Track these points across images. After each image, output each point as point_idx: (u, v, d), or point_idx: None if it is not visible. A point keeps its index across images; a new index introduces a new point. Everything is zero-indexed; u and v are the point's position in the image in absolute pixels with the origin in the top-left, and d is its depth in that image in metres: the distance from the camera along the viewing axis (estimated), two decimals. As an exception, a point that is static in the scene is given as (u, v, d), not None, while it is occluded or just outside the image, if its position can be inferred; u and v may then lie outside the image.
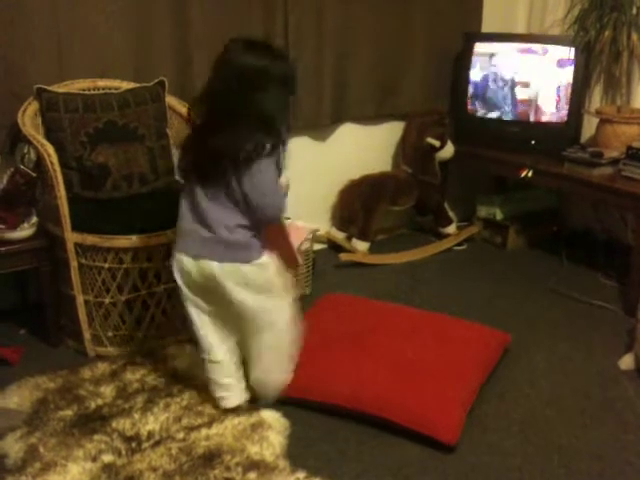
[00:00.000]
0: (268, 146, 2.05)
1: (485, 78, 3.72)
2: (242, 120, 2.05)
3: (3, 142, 2.76)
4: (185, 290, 2.22)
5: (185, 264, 2.17)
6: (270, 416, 2.30)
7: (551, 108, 3.60)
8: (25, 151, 2.69)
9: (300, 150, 3.61)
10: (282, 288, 2.24)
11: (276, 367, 2.32)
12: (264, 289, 2.18)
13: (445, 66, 3.92)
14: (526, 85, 3.63)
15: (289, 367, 2.35)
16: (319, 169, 3.72)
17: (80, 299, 2.64)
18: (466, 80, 3.76)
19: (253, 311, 2.19)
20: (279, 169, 2.13)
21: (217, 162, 2.06)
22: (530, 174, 3.45)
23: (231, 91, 2.06)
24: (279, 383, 2.33)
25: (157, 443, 2.16)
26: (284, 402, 2.36)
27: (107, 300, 2.64)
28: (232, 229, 2.11)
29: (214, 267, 2.12)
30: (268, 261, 2.18)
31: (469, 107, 3.79)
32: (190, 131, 2.25)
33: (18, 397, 2.38)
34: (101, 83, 2.91)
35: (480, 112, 3.78)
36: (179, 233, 2.22)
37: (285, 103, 2.16)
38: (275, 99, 2.07)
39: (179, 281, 2.22)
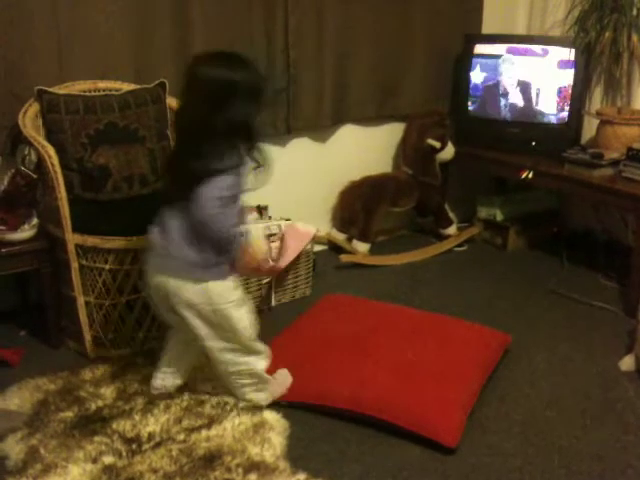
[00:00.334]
0: (233, 161, 2.03)
1: (485, 79, 3.72)
2: (209, 135, 2.02)
3: (4, 143, 2.76)
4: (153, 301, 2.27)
5: (148, 277, 2.21)
6: (271, 417, 2.30)
7: (551, 109, 3.60)
8: (26, 152, 2.69)
9: (300, 151, 3.63)
10: (235, 318, 2.18)
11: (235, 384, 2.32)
12: (212, 313, 2.14)
13: (445, 67, 3.92)
14: (526, 86, 3.63)
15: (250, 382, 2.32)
16: (319, 170, 3.72)
17: (81, 300, 2.64)
18: (466, 81, 3.76)
19: (199, 331, 2.18)
20: (240, 188, 2.10)
21: (187, 179, 2.04)
22: (530, 175, 3.45)
23: (197, 107, 2.04)
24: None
25: (157, 444, 2.15)
26: (283, 404, 2.37)
27: (108, 301, 2.64)
28: (190, 246, 2.09)
29: (168, 282, 2.13)
30: (226, 286, 2.15)
31: (469, 108, 3.79)
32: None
33: (18, 399, 2.38)
34: (102, 84, 2.91)
35: (480, 113, 3.79)
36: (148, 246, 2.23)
37: (254, 116, 2.09)
38: (243, 112, 2.03)
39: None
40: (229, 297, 2.15)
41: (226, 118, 2.01)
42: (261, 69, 2.13)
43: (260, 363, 2.29)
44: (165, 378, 2.38)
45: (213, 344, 2.21)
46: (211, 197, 2.02)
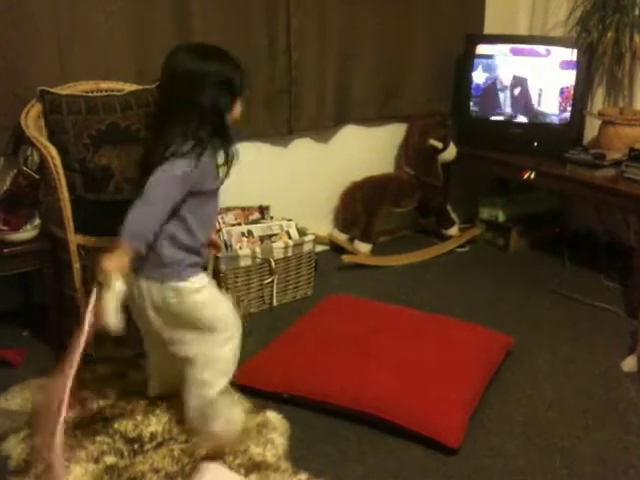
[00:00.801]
0: (194, 149, 1.94)
1: (487, 80, 3.72)
2: (175, 121, 1.97)
3: (6, 144, 2.76)
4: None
5: None
6: (273, 417, 2.30)
7: (553, 110, 3.60)
8: (28, 153, 2.69)
9: (303, 152, 3.63)
10: (210, 320, 2.03)
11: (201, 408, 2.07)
12: (181, 318, 2.01)
13: (447, 68, 3.92)
14: (528, 87, 3.63)
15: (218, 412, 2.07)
16: (322, 171, 3.72)
17: (83, 301, 2.64)
18: (468, 82, 3.76)
19: (167, 337, 2.07)
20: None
21: (151, 166, 1.94)
22: (532, 176, 3.45)
23: (166, 94, 2.02)
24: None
25: (159, 445, 2.16)
26: (286, 401, 2.37)
27: (110, 302, 2.64)
28: (162, 244, 1.97)
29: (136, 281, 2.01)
30: (193, 287, 1.99)
31: (471, 109, 3.79)
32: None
33: (21, 399, 2.39)
34: (104, 85, 2.91)
35: (482, 114, 3.79)
36: None
37: (224, 108, 2.01)
38: (212, 103, 1.97)
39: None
40: (195, 298, 2.02)
41: (195, 107, 1.96)
42: (243, 64, 2.08)
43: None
44: (160, 387, 2.35)
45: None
46: (161, 173, 1.90)
